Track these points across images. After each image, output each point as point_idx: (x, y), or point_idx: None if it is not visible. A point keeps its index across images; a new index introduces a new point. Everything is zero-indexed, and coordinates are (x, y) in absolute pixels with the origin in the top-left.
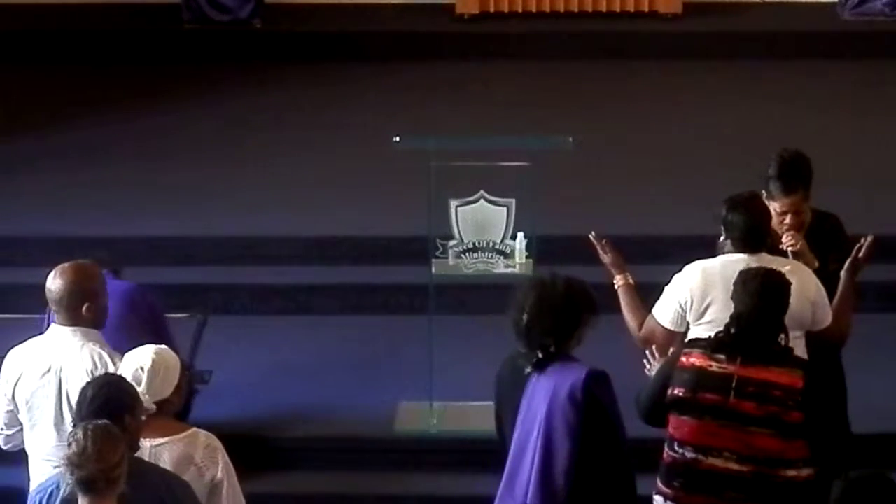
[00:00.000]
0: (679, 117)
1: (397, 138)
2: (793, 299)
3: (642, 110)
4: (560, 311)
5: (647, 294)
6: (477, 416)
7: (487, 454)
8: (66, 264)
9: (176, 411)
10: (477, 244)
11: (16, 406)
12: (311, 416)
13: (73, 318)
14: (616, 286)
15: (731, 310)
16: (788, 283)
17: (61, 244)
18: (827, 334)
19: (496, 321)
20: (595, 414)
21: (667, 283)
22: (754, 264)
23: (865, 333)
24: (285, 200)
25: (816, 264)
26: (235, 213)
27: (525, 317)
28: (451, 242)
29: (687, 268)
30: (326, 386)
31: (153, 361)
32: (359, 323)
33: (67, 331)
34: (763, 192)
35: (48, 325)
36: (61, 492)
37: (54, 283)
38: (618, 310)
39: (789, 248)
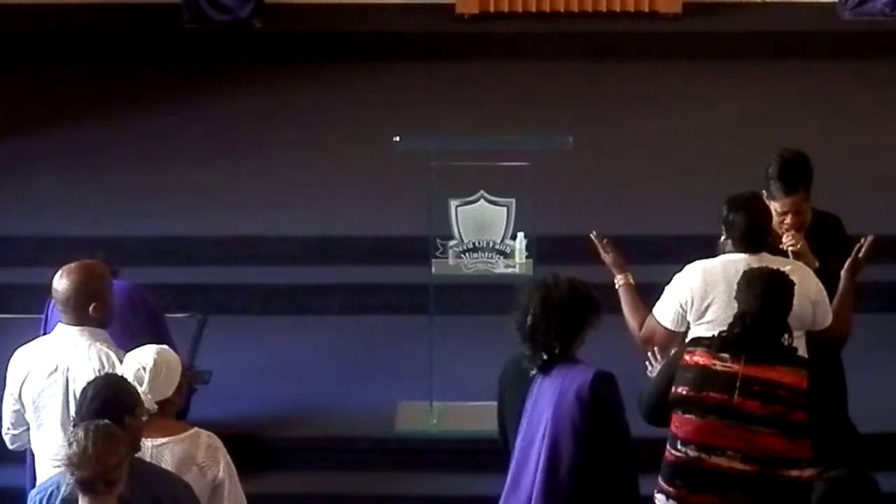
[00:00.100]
0: (679, 117)
1: (397, 138)
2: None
3: (642, 110)
4: (565, 312)
5: (648, 294)
6: (477, 416)
7: (487, 454)
8: (72, 264)
9: (177, 411)
10: (477, 244)
11: (22, 405)
12: (311, 416)
13: (80, 318)
14: (616, 286)
15: (732, 309)
16: (793, 284)
17: (61, 244)
18: (827, 334)
19: (496, 321)
20: (601, 415)
21: (667, 283)
22: (755, 264)
23: (865, 333)
24: (285, 200)
25: (817, 264)
26: (235, 213)
27: (529, 319)
28: (451, 242)
29: (687, 267)
30: (327, 386)
31: (155, 361)
32: (359, 323)
33: (74, 330)
34: (763, 192)
35: (45, 325)
36: (61, 492)
37: (61, 283)
38: (618, 309)
39: (790, 248)
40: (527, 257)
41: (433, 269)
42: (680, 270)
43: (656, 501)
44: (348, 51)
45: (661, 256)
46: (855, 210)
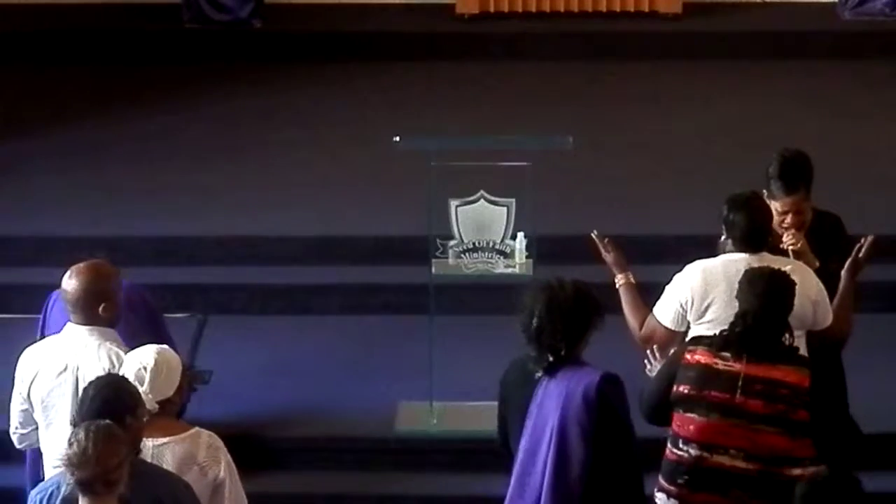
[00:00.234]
0: (679, 117)
1: (397, 138)
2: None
3: (642, 110)
4: (570, 314)
5: (648, 294)
6: (477, 416)
7: (487, 454)
8: (81, 264)
9: (177, 411)
10: (477, 244)
11: (31, 405)
12: (311, 416)
13: (90, 318)
14: (617, 285)
15: (733, 309)
16: (794, 283)
17: (61, 244)
18: (828, 334)
19: (496, 321)
20: (608, 416)
21: (667, 283)
22: (755, 264)
23: (865, 333)
24: (285, 200)
25: (817, 264)
26: (235, 213)
27: (535, 320)
28: (451, 242)
29: (688, 267)
30: (327, 386)
31: (156, 361)
32: (359, 323)
33: (84, 330)
34: (764, 191)
35: (44, 325)
36: (62, 492)
37: (69, 283)
38: (619, 309)
39: (790, 248)
40: (527, 257)
41: (433, 269)
42: (680, 270)
43: (657, 500)
44: (348, 51)
45: (661, 256)
46: (855, 210)
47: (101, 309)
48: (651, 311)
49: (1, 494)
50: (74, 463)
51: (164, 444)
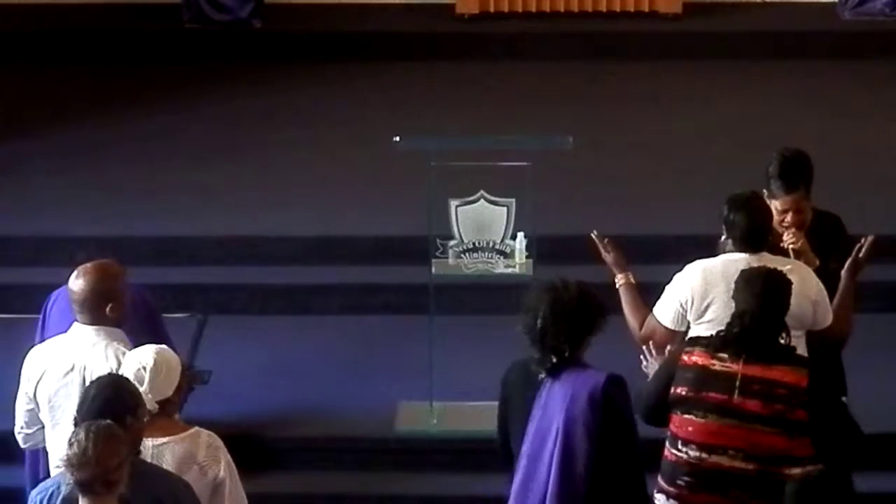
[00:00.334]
0: (679, 117)
1: (397, 138)
2: (794, 299)
3: (642, 110)
4: (575, 315)
5: (648, 294)
6: (477, 416)
7: (487, 454)
8: (88, 264)
9: (177, 411)
10: (477, 244)
11: (37, 405)
12: (311, 416)
13: (97, 318)
14: (617, 285)
15: (733, 309)
16: (790, 283)
17: (61, 244)
18: (828, 334)
19: (496, 321)
20: (613, 416)
21: (667, 283)
22: (755, 264)
23: (865, 333)
24: (285, 200)
25: (817, 263)
26: (235, 213)
27: (539, 322)
28: (451, 242)
29: (688, 267)
30: (327, 386)
31: (155, 361)
32: (359, 323)
33: (90, 330)
34: (764, 190)
35: (43, 326)
36: (62, 492)
37: (76, 283)
38: (619, 309)
39: (790, 246)
40: (527, 257)
41: (433, 269)
42: (680, 270)
43: (656, 501)
44: (348, 51)
45: (661, 256)
46: (855, 210)
47: (108, 309)
48: (651, 311)
49: (1, 494)
50: (74, 463)
51: (164, 443)
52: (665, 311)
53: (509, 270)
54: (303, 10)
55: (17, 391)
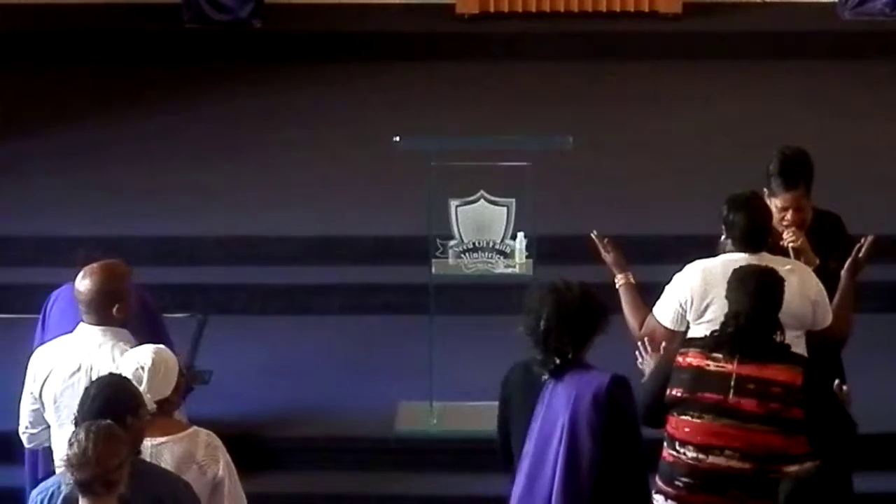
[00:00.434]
0: (679, 117)
1: (397, 138)
2: (794, 299)
3: (642, 110)
4: (578, 317)
5: (648, 294)
6: (477, 416)
7: (487, 454)
8: (94, 264)
9: (175, 410)
10: (477, 244)
11: (42, 405)
12: (312, 416)
13: (104, 319)
14: (617, 285)
15: None
16: (782, 280)
17: (61, 244)
18: (827, 334)
19: (496, 321)
20: (617, 417)
21: (667, 283)
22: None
23: (865, 333)
24: (285, 200)
25: (817, 261)
26: (235, 213)
27: (543, 323)
28: (451, 242)
29: (687, 267)
30: (327, 386)
31: (153, 360)
32: (359, 323)
33: (97, 330)
34: (765, 189)
35: (44, 326)
36: (62, 492)
37: (83, 283)
38: (618, 309)
39: (790, 244)
40: (527, 257)
41: (433, 269)
42: (680, 270)
43: (654, 502)
44: (348, 51)
45: (661, 256)
46: (855, 210)
47: (115, 310)
48: (651, 311)
49: (1, 494)
50: (74, 463)
51: (163, 443)
52: (665, 312)
53: (509, 270)
54: (303, 10)
55: (18, 391)
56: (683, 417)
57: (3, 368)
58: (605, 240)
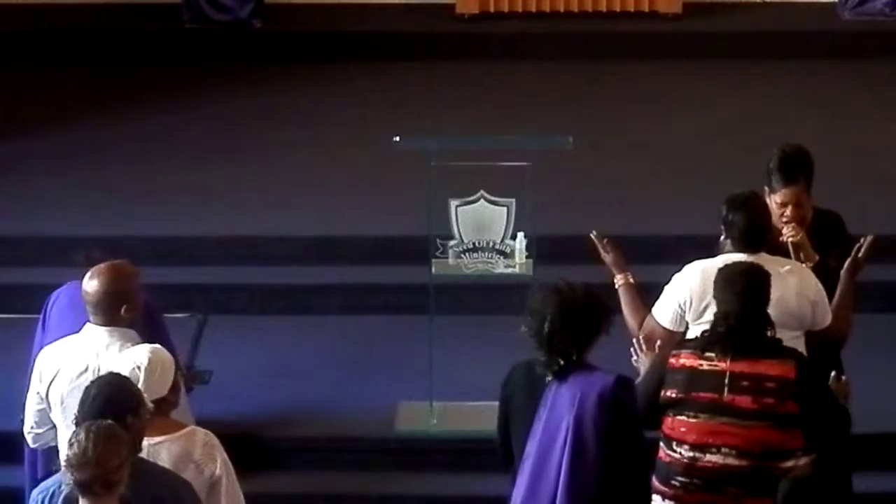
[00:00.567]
0: (679, 117)
1: (397, 138)
2: (793, 299)
3: (642, 110)
4: (582, 318)
5: (648, 294)
6: (477, 416)
7: (487, 454)
8: (102, 265)
9: (173, 410)
10: (477, 244)
11: (48, 405)
12: (311, 416)
13: (111, 320)
14: (616, 285)
15: None
16: (768, 275)
17: (61, 244)
18: (827, 334)
19: (496, 321)
20: (622, 417)
21: (667, 283)
22: None
23: (865, 333)
24: (285, 200)
25: (816, 258)
26: (235, 213)
27: (547, 325)
28: (451, 242)
29: (686, 267)
30: (327, 386)
31: (149, 360)
32: (359, 323)
33: (104, 331)
34: (765, 188)
35: (44, 326)
36: (63, 492)
37: (90, 284)
38: (618, 309)
39: (790, 240)
40: (527, 257)
41: (433, 269)
42: (680, 270)
43: (653, 501)
44: (348, 51)
45: (661, 256)
46: (855, 210)
47: (123, 310)
48: (650, 311)
49: (1, 494)
50: (74, 464)
51: (160, 442)
52: (664, 312)
53: (509, 270)
54: (303, 10)
55: (18, 391)
56: (679, 417)
57: (3, 368)
58: (605, 240)
